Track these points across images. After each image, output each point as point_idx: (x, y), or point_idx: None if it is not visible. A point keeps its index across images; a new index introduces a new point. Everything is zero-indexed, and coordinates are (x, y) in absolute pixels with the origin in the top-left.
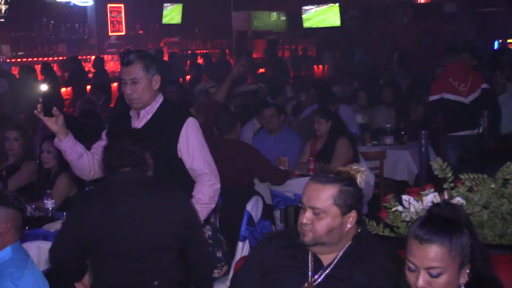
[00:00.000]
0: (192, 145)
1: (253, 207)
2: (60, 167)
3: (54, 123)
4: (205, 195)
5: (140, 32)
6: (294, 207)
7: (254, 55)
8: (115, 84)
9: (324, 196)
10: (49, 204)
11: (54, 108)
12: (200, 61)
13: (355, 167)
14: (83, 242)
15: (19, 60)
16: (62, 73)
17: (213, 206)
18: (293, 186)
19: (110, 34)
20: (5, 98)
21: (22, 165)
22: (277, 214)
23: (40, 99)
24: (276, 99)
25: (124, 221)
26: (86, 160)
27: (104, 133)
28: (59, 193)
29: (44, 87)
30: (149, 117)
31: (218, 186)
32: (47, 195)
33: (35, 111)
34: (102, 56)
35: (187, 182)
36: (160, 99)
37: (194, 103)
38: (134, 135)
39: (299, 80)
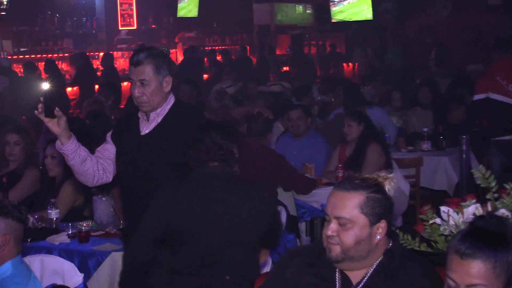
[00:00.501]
0: None
1: None
2: (65, 174)
3: (56, 125)
4: None
5: (153, 26)
6: (321, 218)
7: (278, 52)
8: (125, 83)
9: (350, 204)
10: (53, 214)
11: (56, 109)
12: (218, 58)
13: (383, 174)
14: (164, 233)
15: (21, 56)
16: (71, 71)
17: None
18: (320, 196)
19: (120, 28)
20: (5, 96)
21: (24, 172)
22: (302, 226)
23: (41, 99)
24: (301, 100)
25: (208, 215)
26: (89, 165)
27: (109, 135)
28: (64, 202)
29: (45, 86)
30: (159, 119)
31: None
32: (51, 205)
33: (36, 112)
34: (111, 52)
35: None
36: (171, 100)
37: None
38: (224, 130)
39: (326, 80)
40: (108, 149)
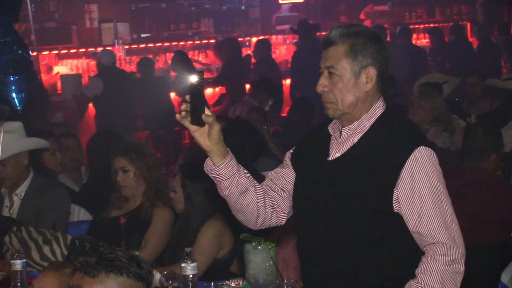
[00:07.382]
0: (421, 195)
1: None
2: (206, 211)
3: (206, 136)
4: (436, 279)
5: None
6: None
7: None
8: (288, 81)
9: None
10: (189, 269)
11: (207, 112)
12: (424, 41)
13: None
14: None
15: (142, 46)
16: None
17: None
18: None
19: (280, 1)
20: (101, 105)
21: (152, 214)
22: None
23: (188, 97)
24: None
25: None
26: (251, 199)
27: (288, 154)
28: (204, 252)
29: (193, 78)
30: (355, 138)
31: (462, 268)
32: (186, 256)
33: (178, 116)
34: (267, 37)
35: (406, 253)
36: (379, 107)
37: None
38: None
39: None
40: (285, 177)
